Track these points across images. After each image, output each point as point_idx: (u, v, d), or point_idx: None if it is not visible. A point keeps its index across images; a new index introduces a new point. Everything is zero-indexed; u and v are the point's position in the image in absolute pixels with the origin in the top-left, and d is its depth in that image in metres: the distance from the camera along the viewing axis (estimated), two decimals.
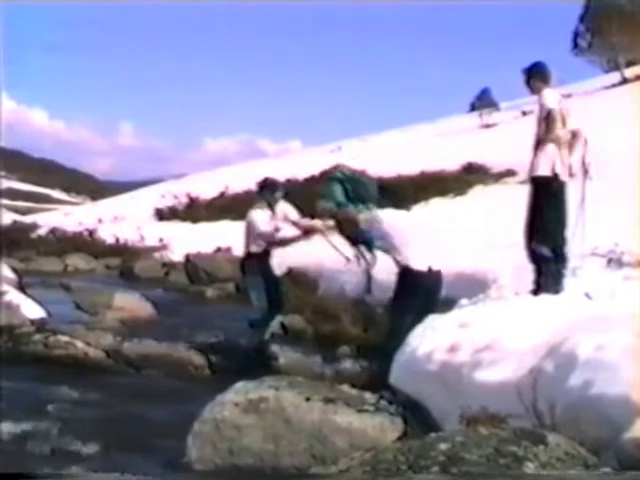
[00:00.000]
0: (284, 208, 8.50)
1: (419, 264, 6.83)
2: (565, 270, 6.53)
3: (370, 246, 6.96)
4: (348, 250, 7.22)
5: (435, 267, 6.89)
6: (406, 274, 6.85)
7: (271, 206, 8.37)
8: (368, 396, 4.72)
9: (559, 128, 6.32)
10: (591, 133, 6.66)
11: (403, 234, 6.91)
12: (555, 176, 6.34)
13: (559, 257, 6.44)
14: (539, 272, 6.43)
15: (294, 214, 8.50)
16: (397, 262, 6.88)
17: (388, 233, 6.74)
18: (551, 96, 6.40)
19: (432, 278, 6.86)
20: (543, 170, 6.39)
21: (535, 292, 6.31)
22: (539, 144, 6.39)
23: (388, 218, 6.93)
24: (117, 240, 22.27)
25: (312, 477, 3.96)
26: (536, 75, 6.60)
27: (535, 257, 6.47)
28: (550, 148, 6.34)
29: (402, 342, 5.62)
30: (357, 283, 9.31)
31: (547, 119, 6.34)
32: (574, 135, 6.56)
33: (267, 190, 8.46)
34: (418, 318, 5.93)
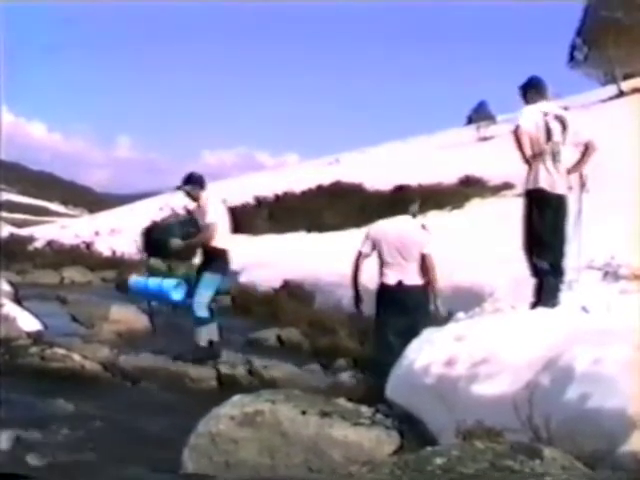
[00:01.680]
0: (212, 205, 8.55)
1: (392, 279, 6.98)
2: (562, 283, 6.53)
3: None
4: None
5: (408, 282, 6.97)
6: (381, 289, 7.06)
7: (196, 200, 8.51)
8: (364, 409, 4.71)
9: (542, 142, 6.32)
10: None
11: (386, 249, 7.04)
12: (541, 190, 6.33)
13: (556, 270, 6.44)
14: (540, 285, 6.42)
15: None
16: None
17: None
18: (525, 112, 6.42)
19: (405, 293, 6.96)
20: (528, 184, 6.43)
21: (535, 305, 6.30)
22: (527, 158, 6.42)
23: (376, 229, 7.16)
24: (114, 253, 22.30)
25: None
26: (530, 90, 6.63)
27: (535, 270, 6.46)
28: (535, 162, 6.35)
29: (390, 356, 5.68)
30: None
31: (514, 134, 6.37)
32: (581, 147, 6.58)
33: (193, 185, 8.52)
34: (406, 333, 6.01)
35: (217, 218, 8.31)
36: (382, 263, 7.07)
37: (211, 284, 8.25)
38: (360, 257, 7.14)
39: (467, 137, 39.33)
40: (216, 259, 8.30)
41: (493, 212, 16.91)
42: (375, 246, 7.07)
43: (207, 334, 8.19)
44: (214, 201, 8.62)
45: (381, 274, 7.09)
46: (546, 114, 6.39)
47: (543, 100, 6.56)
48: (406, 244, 7.02)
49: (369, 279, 7.26)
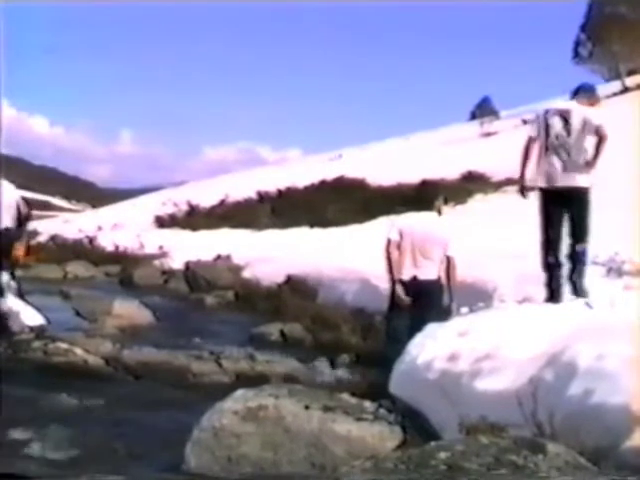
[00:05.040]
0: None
1: (407, 275, 6.92)
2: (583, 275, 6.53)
3: None
4: None
5: (422, 277, 6.92)
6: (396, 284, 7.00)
7: None
8: (367, 405, 4.70)
9: (542, 139, 6.41)
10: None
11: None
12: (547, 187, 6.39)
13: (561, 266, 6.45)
14: (550, 280, 6.42)
15: None
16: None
17: None
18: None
19: (419, 287, 6.92)
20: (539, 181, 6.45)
21: (549, 300, 6.30)
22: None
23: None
24: (117, 247, 22.25)
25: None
26: (582, 95, 6.67)
27: (548, 265, 6.46)
28: (541, 159, 6.42)
29: (399, 349, 5.66)
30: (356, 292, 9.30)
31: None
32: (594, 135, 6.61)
33: None
34: (417, 325, 5.98)
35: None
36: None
37: None
38: (390, 244, 7.00)
39: (470, 133, 39.24)
40: None
41: (496, 208, 16.88)
42: (401, 238, 6.99)
43: None
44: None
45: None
46: (547, 112, 6.45)
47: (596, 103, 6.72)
48: (429, 244, 7.00)
49: (371, 273, 7.22)
